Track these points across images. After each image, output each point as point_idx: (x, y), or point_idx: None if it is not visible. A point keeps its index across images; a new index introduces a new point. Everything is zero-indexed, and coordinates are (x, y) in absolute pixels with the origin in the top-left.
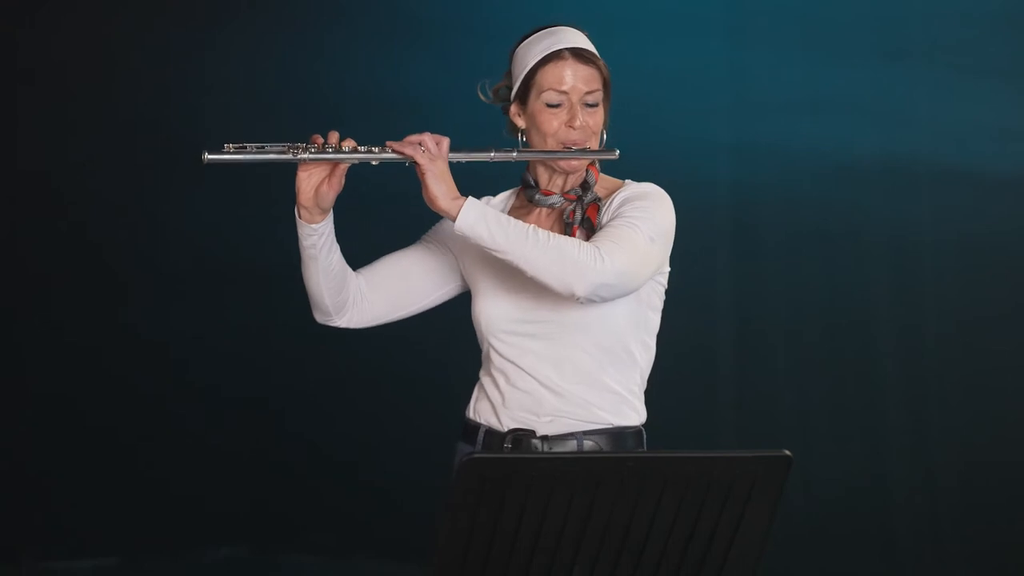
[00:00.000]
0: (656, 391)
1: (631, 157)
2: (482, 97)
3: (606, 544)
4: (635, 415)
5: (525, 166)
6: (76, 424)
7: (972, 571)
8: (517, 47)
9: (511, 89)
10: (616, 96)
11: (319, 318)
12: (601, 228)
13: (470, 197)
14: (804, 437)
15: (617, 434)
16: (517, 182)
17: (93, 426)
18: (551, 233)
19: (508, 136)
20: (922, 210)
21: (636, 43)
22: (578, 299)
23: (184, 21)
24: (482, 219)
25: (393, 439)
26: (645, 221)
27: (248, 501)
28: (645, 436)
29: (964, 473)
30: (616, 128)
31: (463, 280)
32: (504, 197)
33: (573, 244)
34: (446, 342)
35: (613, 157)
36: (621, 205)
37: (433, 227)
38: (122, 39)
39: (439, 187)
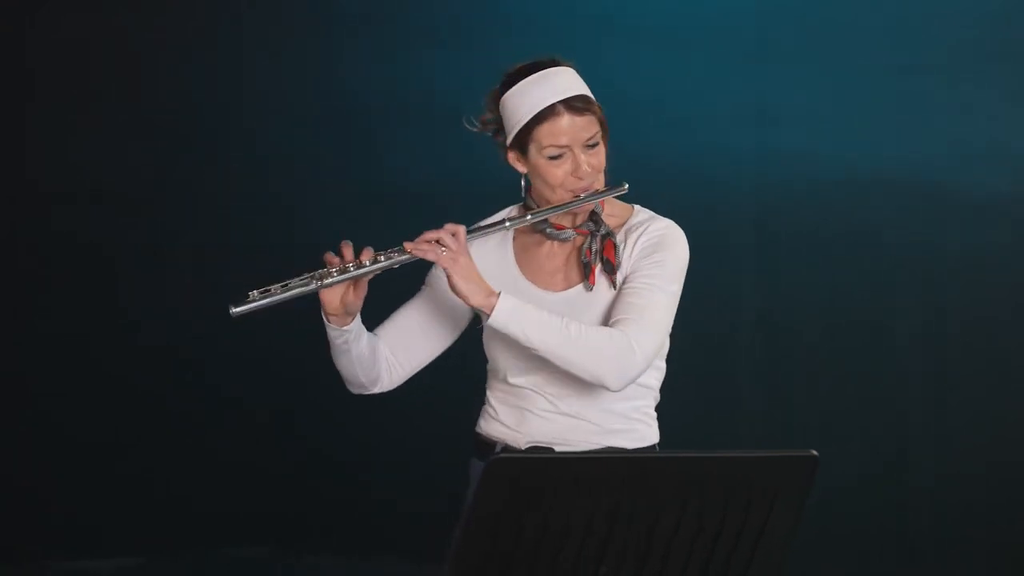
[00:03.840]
0: (679, 392)
1: (657, 162)
2: (469, 127)
3: (632, 545)
4: (650, 436)
5: (527, 191)
6: (100, 426)
7: (992, 571)
8: (505, 93)
9: (502, 129)
10: (639, 104)
11: (354, 391)
12: (621, 291)
13: (502, 294)
14: (825, 437)
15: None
16: (516, 196)
17: (117, 429)
18: (581, 327)
19: (503, 163)
20: (943, 214)
21: (662, 52)
22: (611, 391)
23: (195, 20)
24: (514, 317)
25: (409, 440)
26: (666, 278)
27: (268, 503)
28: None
29: (985, 471)
30: (640, 133)
31: (473, 312)
32: (504, 214)
33: (604, 338)
34: (458, 346)
35: (623, 191)
36: (641, 256)
37: (436, 270)
38: (135, 40)
39: (468, 286)
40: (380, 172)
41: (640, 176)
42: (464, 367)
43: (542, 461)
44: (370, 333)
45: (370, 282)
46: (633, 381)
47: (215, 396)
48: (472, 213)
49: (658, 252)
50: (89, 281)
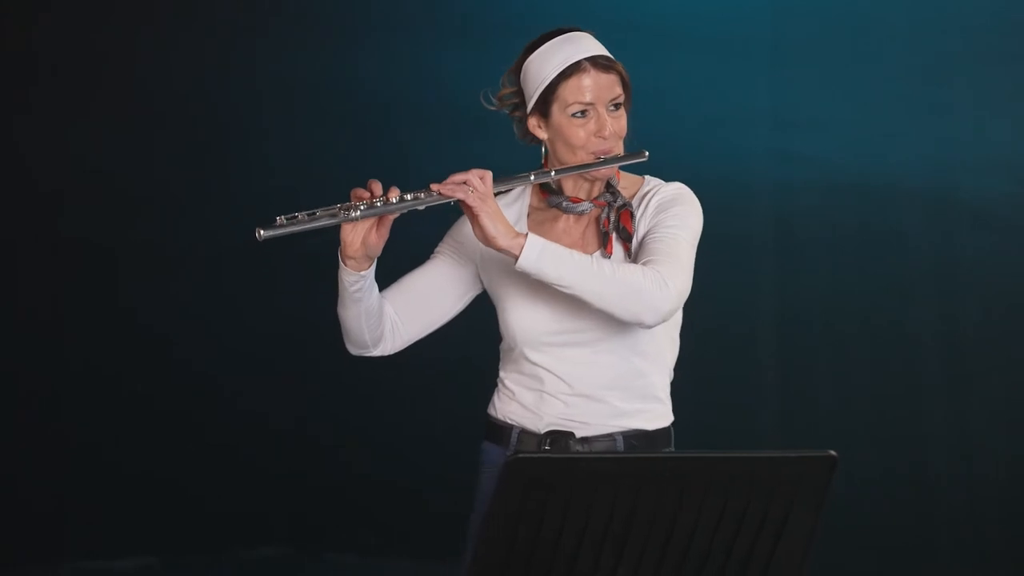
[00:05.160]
0: (698, 391)
1: (680, 161)
2: (487, 105)
3: (650, 545)
4: (666, 415)
5: (540, 164)
6: (114, 428)
7: (1015, 568)
8: (527, 58)
9: (523, 98)
10: (662, 105)
11: (354, 351)
12: (643, 241)
13: (530, 234)
14: (845, 435)
15: (652, 436)
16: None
17: (130, 430)
18: (613, 264)
19: (520, 141)
20: (961, 213)
21: (682, 54)
22: (646, 327)
23: (207, 19)
24: (546, 256)
25: (422, 439)
26: (684, 229)
27: (285, 502)
28: (673, 434)
29: (1004, 471)
30: (661, 135)
31: (482, 285)
32: (517, 194)
33: (636, 273)
34: (468, 341)
35: (643, 159)
36: (657, 212)
37: (448, 237)
38: (146, 39)
39: (496, 227)
40: (403, 171)
41: (657, 174)
42: (481, 361)
43: (560, 461)
44: (379, 294)
45: (381, 256)
46: (668, 318)
47: (232, 397)
48: None
49: (674, 207)
50: (97, 281)
